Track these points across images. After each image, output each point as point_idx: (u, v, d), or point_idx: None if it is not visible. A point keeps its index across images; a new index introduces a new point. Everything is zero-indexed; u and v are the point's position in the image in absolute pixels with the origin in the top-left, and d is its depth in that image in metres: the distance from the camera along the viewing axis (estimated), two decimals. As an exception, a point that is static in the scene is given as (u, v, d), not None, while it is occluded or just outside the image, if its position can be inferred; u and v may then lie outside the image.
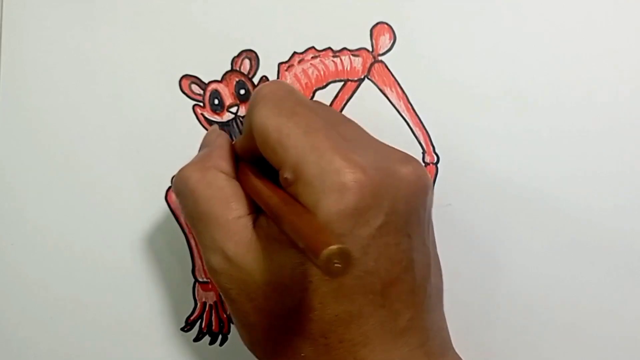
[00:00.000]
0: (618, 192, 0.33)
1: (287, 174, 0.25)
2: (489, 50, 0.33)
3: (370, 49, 0.33)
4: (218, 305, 0.35)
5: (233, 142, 0.30)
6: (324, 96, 0.34)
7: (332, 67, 0.34)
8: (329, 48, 0.34)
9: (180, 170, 0.28)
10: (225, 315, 0.35)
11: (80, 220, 0.34)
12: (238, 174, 0.28)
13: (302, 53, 0.34)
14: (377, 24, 0.34)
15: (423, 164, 0.26)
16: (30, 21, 0.34)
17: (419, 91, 0.33)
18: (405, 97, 0.33)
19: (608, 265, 0.33)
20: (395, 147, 0.28)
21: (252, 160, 0.28)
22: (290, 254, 0.25)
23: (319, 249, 0.20)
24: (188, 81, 0.34)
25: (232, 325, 0.35)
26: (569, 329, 0.32)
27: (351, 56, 0.34)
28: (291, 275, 0.25)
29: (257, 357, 0.28)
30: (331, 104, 0.34)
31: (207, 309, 0.35)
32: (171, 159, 0.34)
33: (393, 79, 0.33)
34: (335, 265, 0.20)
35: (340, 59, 0.34)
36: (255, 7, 0.34)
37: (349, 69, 0.34)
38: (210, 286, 0.35)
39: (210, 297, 0.35)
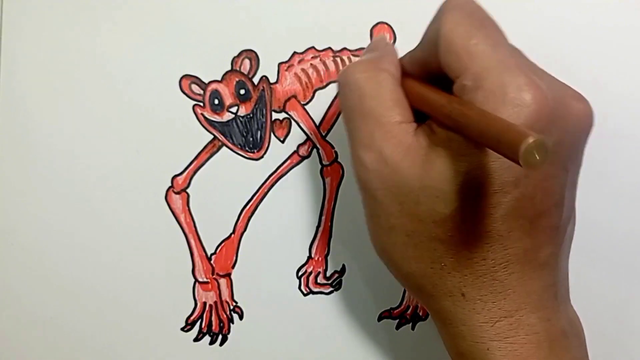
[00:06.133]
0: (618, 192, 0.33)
1: (467, 81, 0.25)
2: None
3: (370, 49, 0.33)
4: (218, 305, 0.35)
5: (400, 57, 0.30)
6: (324, 96, 0.34)
7: (332, 67, 0.34)
8: (329, 48, 0.34)
9: (350, 65, 0.29)
10: (225, 315, 0.35)
11: (80, 220, 0.34)
12: (402, 86, 0.28)
13: (302, 53, 0.34)
14: (377, 24, 0.34)
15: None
16: (30, 21, 0.34)
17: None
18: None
19: (608, 265, 0.33)
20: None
21: (419, 75, 0.29)
22: (455, 160, 0.25)
23: (519, 140, 0.20)
24: (188, 81, 0.34)
25: (232, 325, 0.35)
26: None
27: (351, 56, 0.34)
28: (451, 182, 0.25)
29: (389, 262, 0.28)
30: (331, 104, 0.34)
31: (207, 309, 0.35)
32: (171, 159, 0.34)
33: (393, 79, 0.33)
34: (536, 157, 0.20)
35: (341, 59, 0.34)
36: (255, 7, 0.34)
37: (349, 69, 0.34)
38: (210, 286, 0.35)
39: (210, 297, 0.35)
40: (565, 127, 0.26)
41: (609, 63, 0.34)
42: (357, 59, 0.33)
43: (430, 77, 0.28)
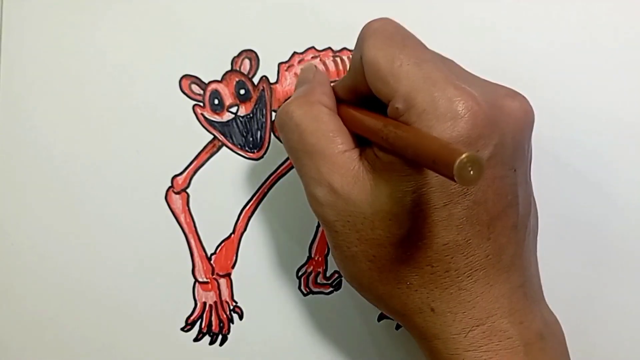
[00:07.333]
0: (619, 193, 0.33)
1: (398, 104, 0.25)
2: (488, 50, 0.33)
3: (370, 49, 0.33)
4: (218, 305, 0.35)
5: (332, 85, 0.30)
6: (324, 96, 0.34)
7: (332, 67, 0.34)
8: (329, 48, 0.34)
9: (284, 105, 0.29)
10: (225, 315, 0.35)
11: (80, 220, 0.34)
12: (339, 113, 0.29)
13: (302, 53, 0.34)
14: (377, 24, 0.34)
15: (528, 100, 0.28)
16: (30, 21, 0.34)
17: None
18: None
19: (609, 265, 0.33)
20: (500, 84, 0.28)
21: (352, 102, 0.29)
22: (400, 182, 0.25)
23: (452, 158, 0.20)
24: (188, 81, 0.34)
25: (232, 325, 0.35)
26: (570, 328, 0.32)
27: (351, 56, 0.34)
28: (401, 204, 0.25)
29: (358, 287, 0.28)
30: (331, 104, 0.34)
31: (207, 309, 0.35)
32: (171, 159, 0.34)
33: (393, 79, 0.33)
34: (470, 172, 0.20)
35: (340, 59, 0.34)
36: (255, 7, 0.34)
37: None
38: (210, 286, 0.35)
39: (210, 297, 0.35)
40: (505, 128, 0.26)
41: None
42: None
43: (366, 102, 0.28)
